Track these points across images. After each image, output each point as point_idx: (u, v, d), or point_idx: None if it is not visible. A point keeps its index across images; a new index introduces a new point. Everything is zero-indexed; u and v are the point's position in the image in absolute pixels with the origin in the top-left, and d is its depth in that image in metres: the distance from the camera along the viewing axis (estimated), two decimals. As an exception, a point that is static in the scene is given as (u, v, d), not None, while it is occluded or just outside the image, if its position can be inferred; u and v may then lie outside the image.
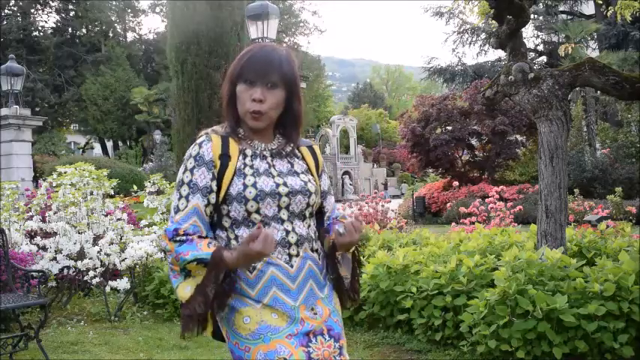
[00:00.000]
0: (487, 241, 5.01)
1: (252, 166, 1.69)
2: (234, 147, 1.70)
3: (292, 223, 1.70)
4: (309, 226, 1.75)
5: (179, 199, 1.66)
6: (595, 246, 4.91)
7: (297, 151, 1.80)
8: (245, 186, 1.65)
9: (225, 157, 1.67)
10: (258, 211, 1.66)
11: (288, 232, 1.69)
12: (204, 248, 1.59)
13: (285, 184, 1.70)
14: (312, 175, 1.79)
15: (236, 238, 1.67)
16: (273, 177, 1.70)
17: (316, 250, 1.76)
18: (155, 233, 6.05)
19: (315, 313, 1.69)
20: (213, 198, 1.66)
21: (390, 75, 71.40)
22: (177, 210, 1.65)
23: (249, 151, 1.72)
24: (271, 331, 1.62)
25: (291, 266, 1.67)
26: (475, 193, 15.25)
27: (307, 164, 1.80)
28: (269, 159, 1.73)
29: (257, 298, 1.64)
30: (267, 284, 1.65)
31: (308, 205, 1.73)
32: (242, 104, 1.67)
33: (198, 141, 1.69)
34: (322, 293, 1.74)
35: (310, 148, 1.84)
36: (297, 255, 1.69)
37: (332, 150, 32.30)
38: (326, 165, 1.95)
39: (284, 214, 1.69)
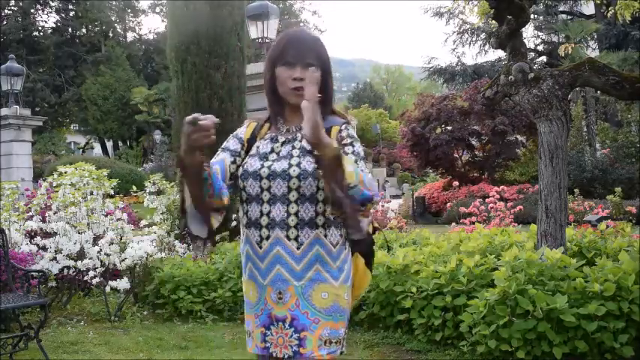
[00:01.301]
0: (487, 241, 5.01)
1: (259, 148, 1.85)
2: (263, 132, 1.90)
3: (271, 205, 1.77)
4: (296, 212, 1.75)
5: (214, 157, 1.88)
6: (595, 246, 4.90)
7: None
8: (242, 166, 1.83)
9: (251, 140, 1.89)
10: (244, 189, 1.81)
11: (262, 214, 1.78)
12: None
13: (269, 167, 1.78)
14: (314, 157, 1.73)
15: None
16: (267, 160, 1.81)
17: (296, 239, 1.75)
18: (155, 233, 6.05)
19: (280, 299, 1.77)
20: (238, 160, 1.86)
21: (390, 75, 71.32)
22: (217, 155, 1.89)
23: (268, 135, 1.88)
24: (248, 305, 1.87)
25: (260, 247, 1.79)
26: (475, 193, 15.24)
27: None
28: (278, 143, 1.84)
29: (243, 268, 1.87)
30: (246, 259, 1.84)
31: (289, 188, 1.75)
32: (283, 84, 1.80)
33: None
34: (297, 282, 1.75)
35: (328, 129, 1.78)
36: (268, 238, 1.77)
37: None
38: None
39: (265, 196, 1.78)
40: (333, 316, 1.77)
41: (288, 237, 1.75)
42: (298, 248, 1.76)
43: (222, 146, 1.89)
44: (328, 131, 1.79)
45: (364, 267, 1.92)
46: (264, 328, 1.79)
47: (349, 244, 1.85)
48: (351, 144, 1.81)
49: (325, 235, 1.78)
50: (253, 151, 1.85)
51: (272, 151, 1.83)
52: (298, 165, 1.76)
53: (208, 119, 1.54)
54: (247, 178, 1.79)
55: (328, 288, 1.77)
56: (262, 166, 1.79)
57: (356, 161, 1.76)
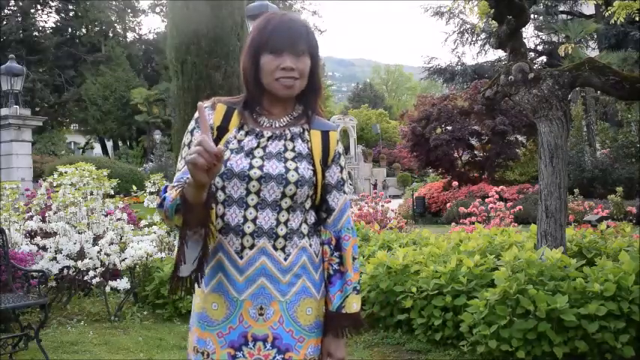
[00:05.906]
0: (487, 241, 5.01)
1: (240, 142, 1.60)
2: (235, 120, 1.63)
3: (258, 211, 1.56)
4: (286, 220, 1.59)
5: (180, 160, 1.62)
6: (595, 246, 4.91)
7: (305, 134, 1.65)
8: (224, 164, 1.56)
9: (222, 129, 1.62)
10: (223, 190, 1.57)
11: (245, 220, 1.56)
12: (174, 195, 1.47)
13: (261, 167, 1.56)
14: (310, 162, 1.62)
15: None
16: (253, 158, 1.58)
17: (282, 249, 1.58)
18: (155, 233, 6.05)
19: (262, 315, 1.57)
20: None
21: (390, 75, 71.36)
22: (177, 170, 1.62)
23: (247, 127, 1.62)
24: (207, 322, 1.59)
25: (241, 258, 1.56)
26: (475, 193, 15.24)
27: (310, 149, 1.63)
28: (264, 138, 1.61)
29: (206, 279, 1.58)
30: (214, 269, 1.58)
31: (283, 195, 1.57)
32: (269, 74, 1.57)
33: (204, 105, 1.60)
34: (282, 297, 1.58)
35: (325, 133, 1.66)
36: (252, 247, 1.56)
37: (332, 150, 32.05)
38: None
39: (252, 200, 1.56)
40: (315, 333, 1.65)
41: (275, 247, 1.57)
42: (285, 259, 1.58)
43: (188, 145, 1.62)
44: (326, 135, 1.67)
45: None
46: (234, 350, 1.56)
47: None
48: (345, 167, 1.71)
49: (310, 245, 1.63)
50: (234, 145, 1.59)
51: (258, 146, 1.60)
52: (296, 170, 1.58)
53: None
54: (231, 179, 1.56)
55: (313, 303, 1.63)
56: (251, 166, 1.56)
57: (345, 189, 1.68)
